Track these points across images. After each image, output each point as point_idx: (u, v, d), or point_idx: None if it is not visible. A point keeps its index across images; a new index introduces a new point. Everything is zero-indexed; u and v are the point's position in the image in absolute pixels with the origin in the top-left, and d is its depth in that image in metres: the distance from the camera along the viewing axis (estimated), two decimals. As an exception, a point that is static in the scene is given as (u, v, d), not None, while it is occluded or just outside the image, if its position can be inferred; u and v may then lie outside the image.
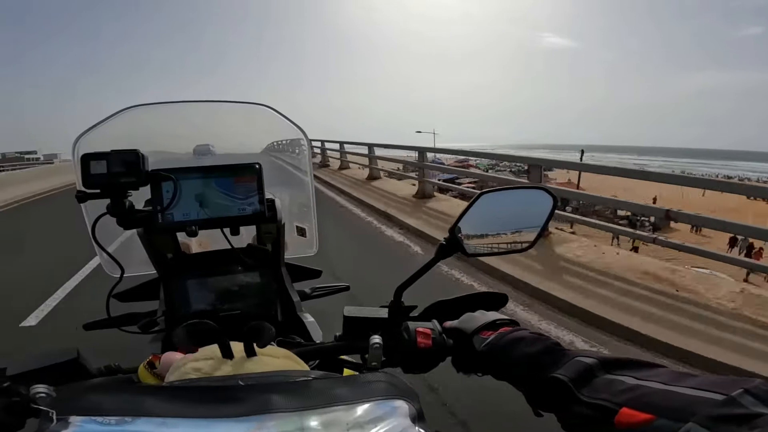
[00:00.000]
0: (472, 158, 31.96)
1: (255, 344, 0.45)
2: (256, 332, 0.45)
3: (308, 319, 0.97)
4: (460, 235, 0.61)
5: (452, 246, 0.61)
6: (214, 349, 0.45)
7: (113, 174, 0.69)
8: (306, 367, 0.50)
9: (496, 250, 0.65)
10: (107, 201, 0.72)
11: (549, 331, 2.79)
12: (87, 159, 0.68)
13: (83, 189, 0.69)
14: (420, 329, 0.60)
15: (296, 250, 1.12)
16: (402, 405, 0.37)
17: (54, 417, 0.34)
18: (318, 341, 0.86)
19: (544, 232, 0.65)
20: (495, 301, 0.69)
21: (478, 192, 0.63)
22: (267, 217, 0.85)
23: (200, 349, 0.47)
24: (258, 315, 0.94)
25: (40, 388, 0.48)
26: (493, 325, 0.57)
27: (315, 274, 1.16)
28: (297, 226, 1.11)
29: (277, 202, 0.89)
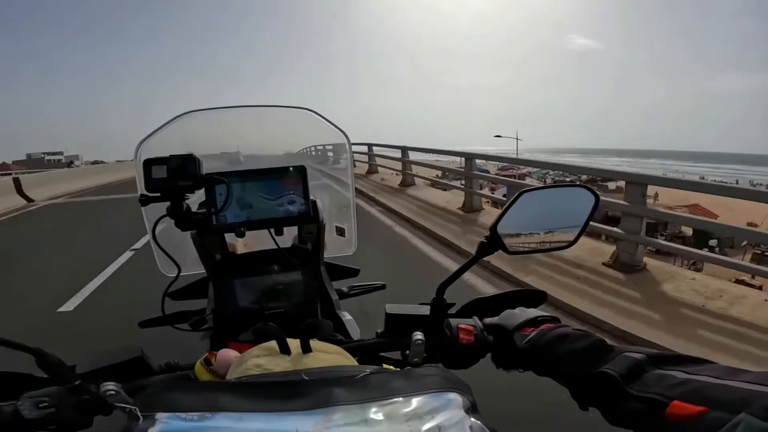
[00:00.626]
0: (522, 167, 27.11)
1: (310, 340, 0.47)
2: (314, 328, 0.48)
3: (346, 317, 1.00)
4: (501, 233, 0.62)
5: (493, 244, 0.62)
6: (271, 345, 0.48)
7: (173, 178, 0.72)
8: (355, 363, 0.52)
9: (537, 248, 0.65)
10: (164, 204, 0.76)
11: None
12: (149, 164, 0.72)
13: (145, 192, 0.74)
14: (462, 326, 0.61)
15: (335, 249, 1.16)
16: (456, 397, 0.38)
17: (139, 414, 0.36)
18: (356, 338, 0.88)
19: (585, 230, 0.65)
20: (534, 299, 0.69)
21: (519, 191, 0.63)
22: (311, 218, 0.89)
23: (257, 346, 0.49)
24: (300, 313, 0.98)
25: (111, 386, 0.50)
26: (534, 322, 0.57)
27: (353, 273, 1.20)
28: (336, 227, 1.15)
29: (319, 204, 0.93)
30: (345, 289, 1.16)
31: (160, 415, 0.35)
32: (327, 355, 0.48)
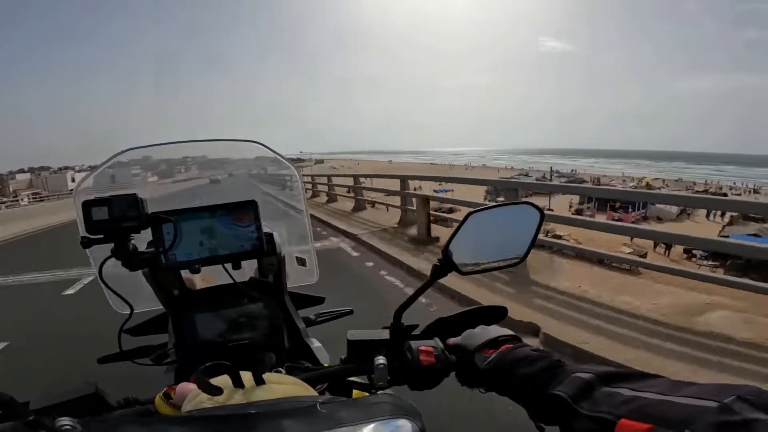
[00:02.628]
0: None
1: (262, 373, 0.48)
2: (258, 361, 0.49)
3: (315, 344, 1.01)
4: (452, 254, 0.64)
5: (446, 266, 0.64)
6: (226, 378, 0.48)
7: (114, 219, 0.71)
8: (313, 392, 0.53)
9: (488, 267, 0.68)
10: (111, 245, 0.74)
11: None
12: (88, 206, 0.70)
13: (87, 235, 0.72)
14: (422, 348, 0.63)
15: (298, 279, 1.18)
16: (405, 424, 0.40)
17: None
18: (326, 365, 0.89)
19: (534, 244, 0.69)
20: (495, 315, 0.72)
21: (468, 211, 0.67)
22: (266, 251, 0.90)
23: (212, 380, 0.49)
24: (266, 343, 0.99)
25: (66, 421, 0.49)
26: (494, 343, 0.60)
27: (318, 300, 1.21)
28: (297, 257, 1.17)
29: (276, 236, 0.94)
30: (312, 316, 1.17)
31: None
32: (281, 386, 0.49)
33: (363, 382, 0.71)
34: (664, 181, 58.59)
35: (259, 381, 0.48)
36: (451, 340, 0.66)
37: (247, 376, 0.48)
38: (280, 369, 0.66)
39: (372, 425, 0.39)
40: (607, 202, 25.12)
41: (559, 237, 9.35)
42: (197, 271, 0.84)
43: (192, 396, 0.49)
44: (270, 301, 1.03)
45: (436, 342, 0.65)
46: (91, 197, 0.73)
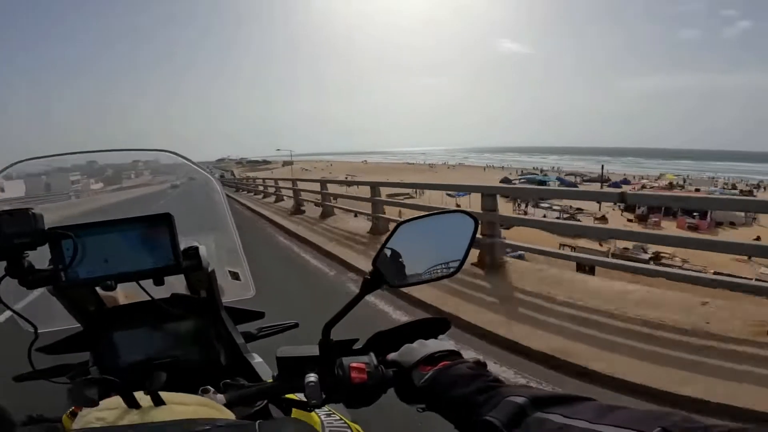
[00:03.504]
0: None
1: (161, 393, 0.46)
2: (151, 379, 0.47)
3: (255, 359, 0.99)
4: (382, 267, 0.62)
5: (376, 279, 0.62)
6: (119, 399, 0.46)
7: (6, 235, 0.68)
8: (223, 413, 0.51)
9: (420, 279, 0.66)
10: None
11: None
12: None
13: None
14: (354, 365, 0.61)
15: (234, 293, 1.13)
16: None
17: None
18: (269, 380, 0.87)
19: (468, 255, 0.67)
20: (437, 327, 0.70)
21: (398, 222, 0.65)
22: (191, 266, 0.86)
23: (107, 400, 0.47)
24: (199, 360, 0.97)
25: None
26: (431, 359, 0.58)
27: (258, 315, 1.17)
28: (229, 271, 1.13)
29: (202, 249, 0.90)
30: (254, 331, 1.13)
31: None
32: (184, 408, 0.47)
33: (301, 399, 0.69)
34: (684, 179, 60.64)
35: (158, 401, 0.46)
36: (391, 356, 0.64)
37: (144, 397, 0.46)
38: (208, 387, 0.64)
39: None
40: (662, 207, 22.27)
41: (660, 257, 7.83)
42: (111, 288, 0.79)
43: (81, 416, 0.48)
44: (202, 316, 1.00)
45: (371, 358, 0.63)
46: None
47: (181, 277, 0.96)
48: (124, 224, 0.80)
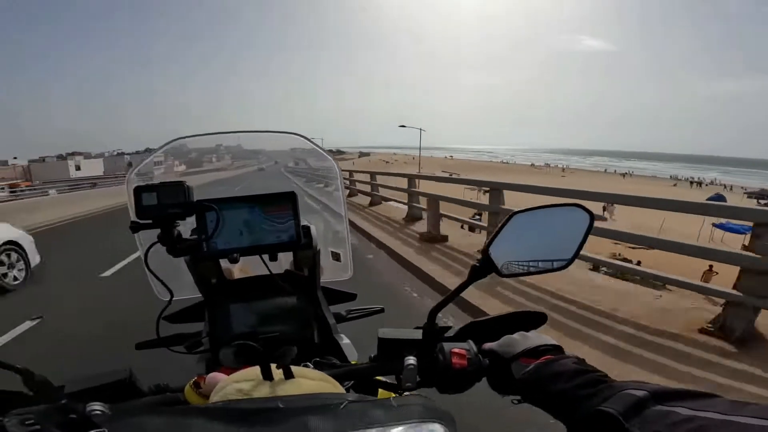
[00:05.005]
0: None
1: (292, 366, 0.49)
2: (286, 355, 0.50)
3: (344, 340, 1.03)
4: (493, 255, 0.63)
5: (486, 266, 0.64)
6: (254, 370, 0.49)
7: (162, 205, 0.75)
8: (341, 389, 0.53)
9: (530, 270, 0.66)
10: (157, 231, 0.78)
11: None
12: (139, 191, 0.75)
13: (136, 220, 0.77)
14: (455, 350, 0.63)
15: (332, 274, 1.20)
16: (437, 428, 0.40)
17: None
18: (353, 362, 0.90)
19: (581, 250, 0.66)
20: (533, 320, 0.71)
21: (512, 212, 0.65)
22: (302, 244, 0.92)
23: (241, 371, 0.51)
24: (296, 337, 1.01)
25: (96, 406, 0.52)
26: (534, 353, 0.58)
27: (350, 297, 1.23)
28: (332, 252, 1.19)
29: (313, 229, 0.97)
30: (343, 312, 1.19)
31: None
32: (309, 382, 0.50)
33: (390, 382, 0.72)
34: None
35: (288, 375, 0.49)
36: (486, 345, 0.65)
37: (276, 369, 0.49)
38: (308, 364, 0.67)
39: (402, 427, 0.39)
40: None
41: None
42: (236, 261, 0.87)
43: (220, 386, 0.51)
44: (303, 294, 1.05)
45: (470, 345, 0.65)
46: (143, 183, 0.78)
47: (289, 254, 1.04)
48: (255, 200, 0.87)
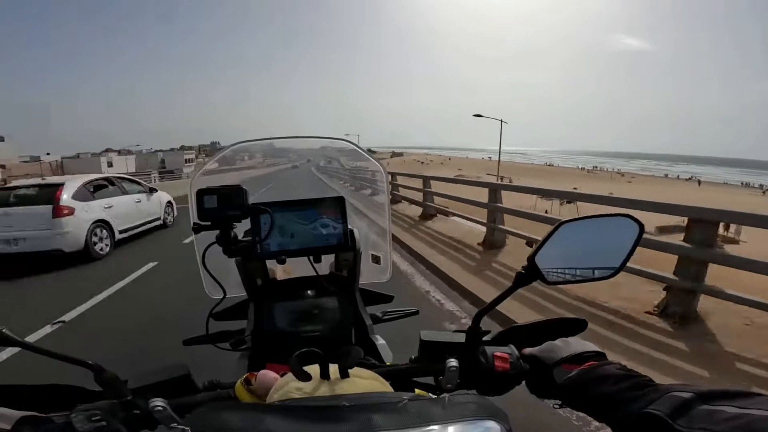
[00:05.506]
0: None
1: (349, 366, 0.51)
2: (346, 354, 0.51)
3: (379, 341, 1.06)
4: (539, 263, 0.65)
5: (531, 274, 0.65)
6: (311, 369, 0.51)
7: (222, 208, 0.80)
8: (389, 388, 0.55)
9: (576, 278, 0.68)
10: (214, 232, 0.83)
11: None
12: (201, 194, 0.80)
13: (198, 221, 0.82)
14: (498, 353, 0.65)
15: (370, 276, 1.24)
16: (494, 425, 0.41)
17: None
18: (388, 363, 0.93)
19: (628, 260, 0.67)
20: (573, 327, 0.72)
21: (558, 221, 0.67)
22: (347, 246, 0.96)
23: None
24: (334, 337, 1.05)
25: (158, 402, 0.57)
26: (577, 358, 0.60)
27: (387, 299, 1.28)
28: (372, 254, 1.23)
29: (356, 232, 1.00)
30: (379, 314, 1.23)
31: None
32: (363, 381, 0.51)
33: (428, 383, 0.74)
34: None
35: (344, 374, 0.50)
36: (527, 350, 0.67)
37: (331, 368, 0.51)
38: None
39: (460, 425, 0.40)
40: None
41: None
42: (283, 262, 0.91)
43: (279, 385, 0.53)
44: (342, 295, 1.09)
45: (512, 349, 0.67)
46: (204, 186, 0.82)
47: (331, 255, 1.08)
48: (305, 204, 0.92)
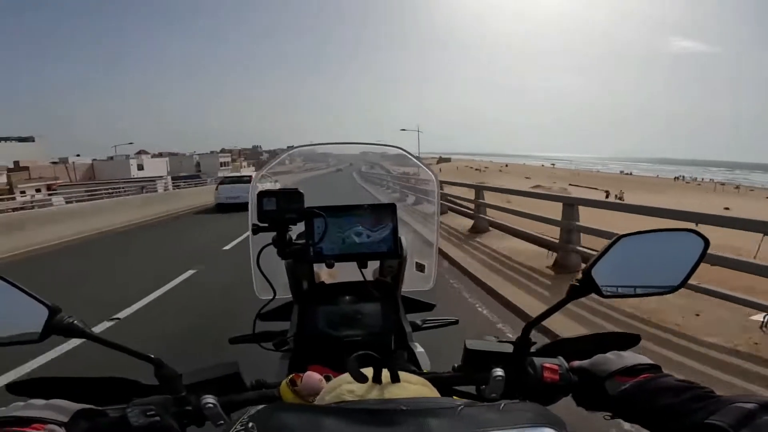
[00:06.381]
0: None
1: (399, 370, 0.51)
2: (396, 358, 0.53)
3: (418, 349, 1.07)
4: (595, 276, 0.64)
5: (586, 286, 0.65)
6: (363, 372, 0.51)
7: (280, 210, 0.83)
8: (437, 394, 0.55)
9: (633, 292, 0.67)
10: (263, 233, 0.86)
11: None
12: (261, 196, 0.84)
13: (257, 222, 0.85)
14: (547, 365, 0.66)
15: (413, 283, 1.25)
16: None
17: None
18: (425, 370, 0.94)
19: (690, 276, 0.65)
20: (624, 341, 0.71)
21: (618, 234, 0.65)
22: (394, 254, 0.98)
23: (347, 374, 0.53)
24: (375, 343, 1.06)
25: (209, 399, 0.60)
26: (631, 371, 0.59)
27: (428, 307, 1.28)
28: (417, 262, 1.24)
29: (403, 240, 1.02)
30: (419, 322, 1.23)
31: None
32: (413, 386, 0.52)
33: (469, 392, 0.73)
34: None
35: (395, 378, 0.51)
36: (576, 363, 0.67)
37: (383, 373, 0.52)
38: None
39: (518, 431, 0.40)
40: None
41: None
42: (332, 266, 0.94)
43: (331, 387, 0.53)
44: (385, 302, 1.11)
45: (561, 361, 0.67)
46: (264, 188, 0.87)
47: (376, 261, 1.10)
48: (358, 210, 0.95)
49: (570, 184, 36.75)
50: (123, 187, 23.70)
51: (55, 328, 0.55)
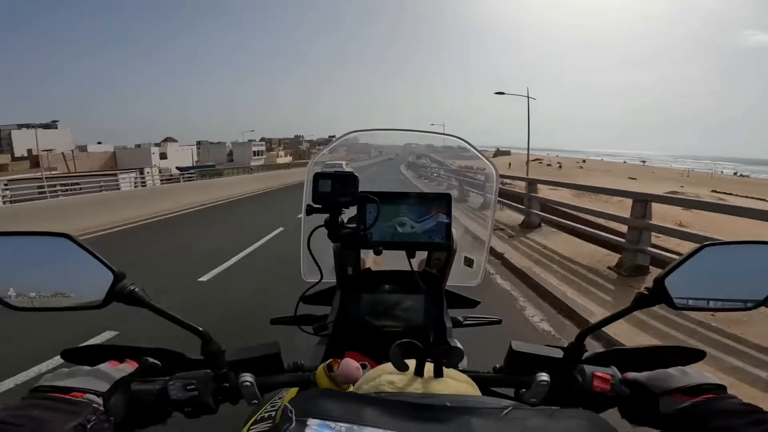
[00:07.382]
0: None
1: (444, 366, 0.52)
2: (448, 354, 0.51)
3: (457, 345, 1.06)
4: (668, 286, 0.61)
5: (655, 296, 0.62)
6: (410, 362, 0.52)
7: (335, 193, 0.84)
8: (479, 393, 0.54)
9: (709, 306, 0.63)
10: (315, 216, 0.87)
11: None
12: (317, 178, 0.85)
13: (311, 203, 0.86)
14: (599, 374, 0.64)
15: (459, 278, 1.22)
16: None
17: (293, 417, 0.41)
18: (462, 369, 0.95)
19: None
20: (686, 356, 0.68)
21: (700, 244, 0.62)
22: (444, 245, 0.97)
23: (387, 364, 0.54)
24: (414, 335, 1.04)
25: (247, 378, 0.62)
26: (693, 390, 0.57)
27: (473, 303, 1.26)
28: (465, 257, 1.21)
29: (454, 232, 1.00)
30: (460, 318, 1.21)
31: (311, 422, 0.40)
32: (456, 383, 0.52)
33: (506, 394, 0.72)
34: None
35: (438, 373, 0.51)
36: (630, 375, 0.65)
37: (426, 366, 0.52)
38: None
39: None
40: None
41: None
42: (379, 253, 0.93)
43: (371, 376, 0.54)
44: (429, 295, 1.10)
45: (614, 371, 0.65)
46: (320, 170, 0.87)
47: (424, 252, 1.09)
48: (412, 198, 0.94)
49: (713, 191, 26.68)
50: (75, 183, 17.01)
51: (118, 295, 0.57)
